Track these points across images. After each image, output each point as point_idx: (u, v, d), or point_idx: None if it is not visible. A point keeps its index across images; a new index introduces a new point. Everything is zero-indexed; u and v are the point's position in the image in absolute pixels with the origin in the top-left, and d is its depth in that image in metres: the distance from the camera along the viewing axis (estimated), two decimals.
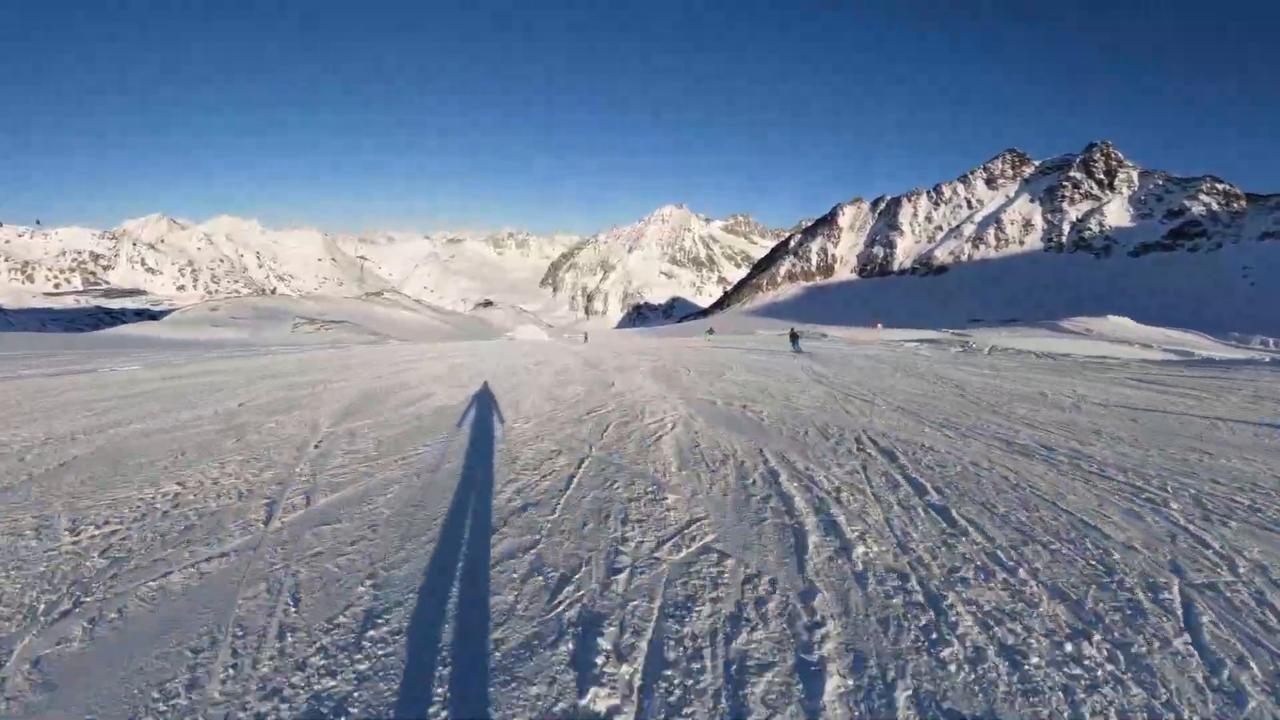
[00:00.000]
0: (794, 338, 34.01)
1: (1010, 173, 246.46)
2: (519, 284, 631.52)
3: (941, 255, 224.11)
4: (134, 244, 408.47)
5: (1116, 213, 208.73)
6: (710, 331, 59.07)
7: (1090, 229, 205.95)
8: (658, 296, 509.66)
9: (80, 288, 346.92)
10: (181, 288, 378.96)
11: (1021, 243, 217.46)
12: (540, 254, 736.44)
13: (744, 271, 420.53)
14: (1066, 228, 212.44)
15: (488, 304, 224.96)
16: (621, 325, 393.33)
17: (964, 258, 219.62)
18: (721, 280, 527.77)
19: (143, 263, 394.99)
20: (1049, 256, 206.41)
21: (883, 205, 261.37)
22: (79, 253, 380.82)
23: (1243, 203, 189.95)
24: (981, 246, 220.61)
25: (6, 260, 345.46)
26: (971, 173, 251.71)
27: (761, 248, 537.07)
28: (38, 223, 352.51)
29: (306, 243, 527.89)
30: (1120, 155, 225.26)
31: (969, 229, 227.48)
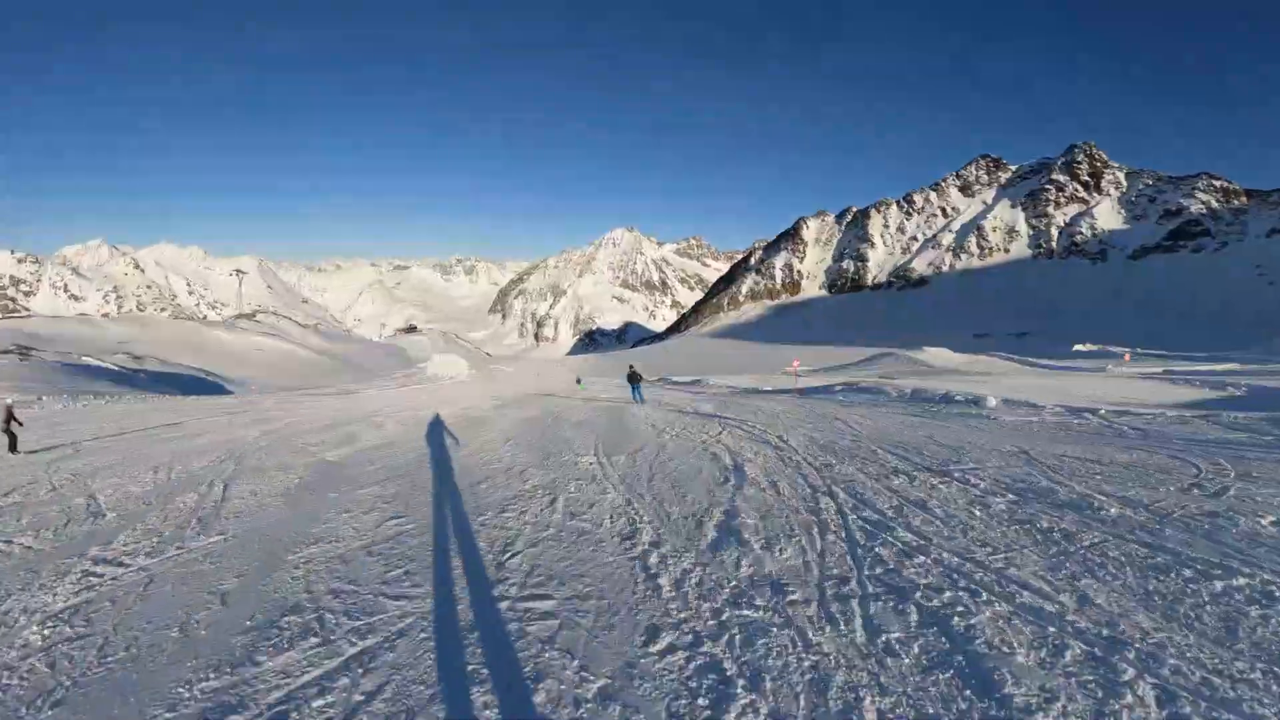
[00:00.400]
0: (633, 380, 23.73)
1: (986, 178, 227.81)
2: (467, 311, 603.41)
3: (920, 266, 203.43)
4: (64, 268, 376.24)
5: (1107, 215, 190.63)
6: (579, 381, 44.97)
7: (1081, 233, 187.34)
8: (610, 321, 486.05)
9: None
10: (105, 314, 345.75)
11: (1006, 250, 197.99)
12: (489, 280, 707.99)
13: (698, 294, 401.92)
14: (1055, 233, 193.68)
15: (411, 329, 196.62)
16: (574, 352, 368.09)
17: (945, 268, 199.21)
18: (675, 304, 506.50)
19: (65, 288, 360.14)
20: (1039, 264, 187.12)
21: (849, 217, 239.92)
22: None
23: (1244, 199, 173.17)
24: (964, 256, 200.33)
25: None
26: (944, 180, 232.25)
27: (715, 270, 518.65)
28: None
29: (242, 270, 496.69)
30: (1104, 155, 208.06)
31: (947, 238, 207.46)
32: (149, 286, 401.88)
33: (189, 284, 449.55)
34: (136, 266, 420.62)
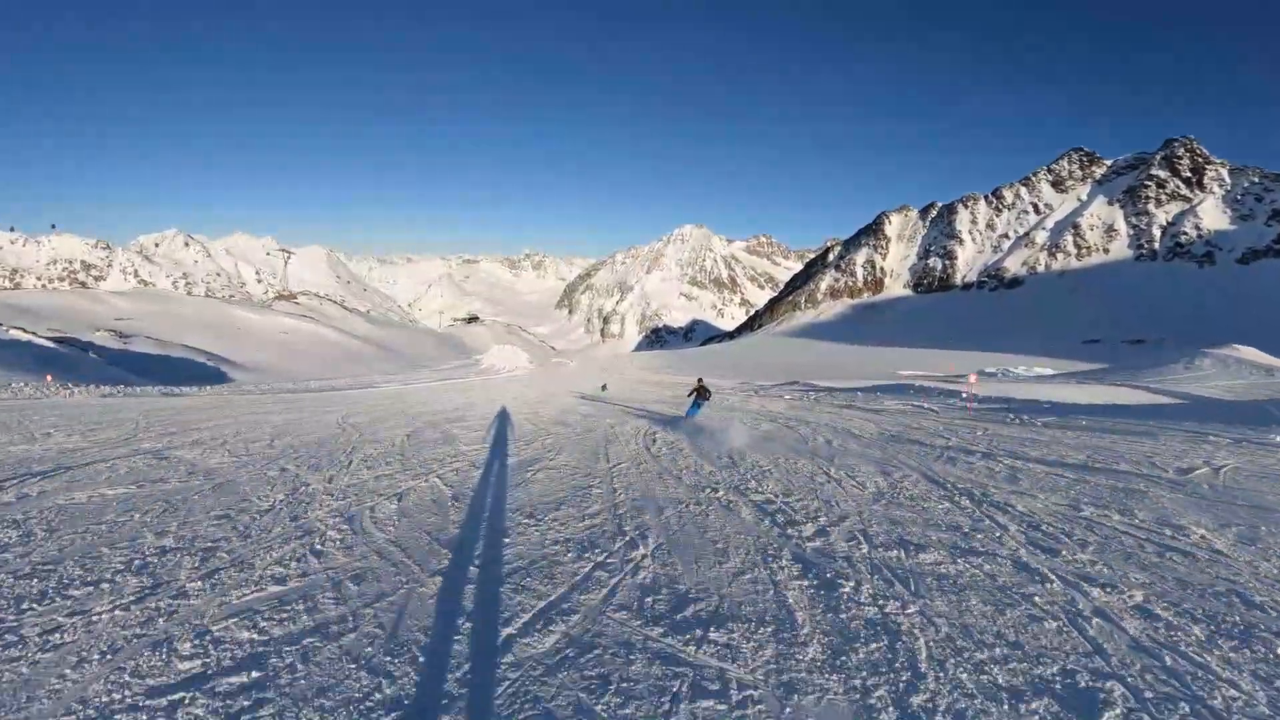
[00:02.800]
0: (699, 395, 18.55)
1: (1079, 173, 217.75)
2: (533, 306, 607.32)
3: (1013, 266, 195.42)
4: (136, 255, 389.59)
5: (1212, 214, 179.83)
6: (604, 388, 38.37)
7: (1186, 233, 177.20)
8: (677, 319, 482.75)
9: None
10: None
11: (1106, 250, 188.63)
12: (556, 275, 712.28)
13: (768, 293, 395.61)
14: (1157, 232, 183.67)
15: (472, 319, 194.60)
16: (639, 348, 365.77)
17: (1040, 268, 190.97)
18: (745, 302, 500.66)
19: (135, 274, 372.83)
20: (1141, 266, 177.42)
21: (934, 213, 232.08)
22: (70, 261, 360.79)
23: None
24: (1060, 255, 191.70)
25: None
26: (1035, 174, 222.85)
27: (785, 268, 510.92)
28: (53, 227, 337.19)
29: (311, 260, 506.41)
30: (1205, 151, 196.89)
31: (1041, 236, 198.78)
32: (218, 274, 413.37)
33: (258, 272, 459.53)
34: (207, 254, 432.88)
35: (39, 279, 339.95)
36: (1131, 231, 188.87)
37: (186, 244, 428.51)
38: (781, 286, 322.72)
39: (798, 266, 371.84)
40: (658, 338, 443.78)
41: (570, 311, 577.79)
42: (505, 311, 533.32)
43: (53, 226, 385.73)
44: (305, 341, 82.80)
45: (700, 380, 20.22)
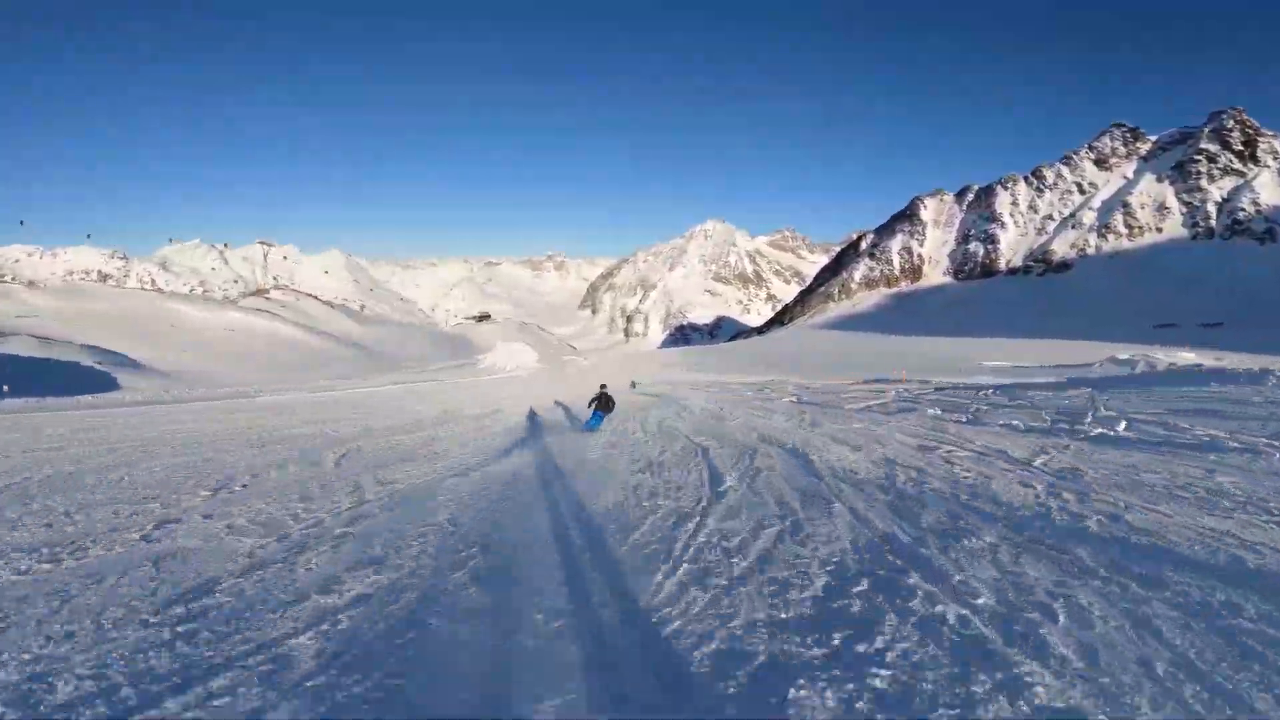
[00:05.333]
0: (601, 406, 17.17)
1: (1123, 150, 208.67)
2: (556, 307, 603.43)
3: (1060, 248, 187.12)
4: (152, 264, 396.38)
5: (1270, 189, 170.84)
6: (633, 385, 34.84)
7: (1244, 209, 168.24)
8: (702, 316, 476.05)
9: None
10: None
11: (1159, 229, 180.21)
12: (578, 276, 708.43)
13: (794, 288, 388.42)
14: (1212, 209, 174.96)
15: (484, 317, 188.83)
16: (665, 346, 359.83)
17: (1089, 250, 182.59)
18: (771, 297, 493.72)
19: (152, 283, 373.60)
20: (1199, 245, 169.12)
21: (971, 195, 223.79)
22: (86, 273, 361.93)
23: None
24: (1110, 237, 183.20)
25: (14, 280, 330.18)
26: (1076, 153, 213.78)
27: (810, 262, 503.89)
28: (88, 237, 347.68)
29: (330, 264, 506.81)
30: (1255, 123, 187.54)
31: (1089, 216, 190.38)
32: (235, 280, 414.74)
33: (275, 279, 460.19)
34: (224, 261, 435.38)
35: None
36: (1185, 209, 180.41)
37: (207, 253, 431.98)
38: (806, 280, 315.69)
39: (823, 260, 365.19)
40: (682, 335, 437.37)
41: (593, 311, 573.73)
42: (527, 313, 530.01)
43: (88, 236, 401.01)
44: (255, 341, 76.44)
45: (603, 387, 18.05)
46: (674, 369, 73.23)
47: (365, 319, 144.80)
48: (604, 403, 16.94)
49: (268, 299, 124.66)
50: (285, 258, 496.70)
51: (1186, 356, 49.21)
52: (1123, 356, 51.33)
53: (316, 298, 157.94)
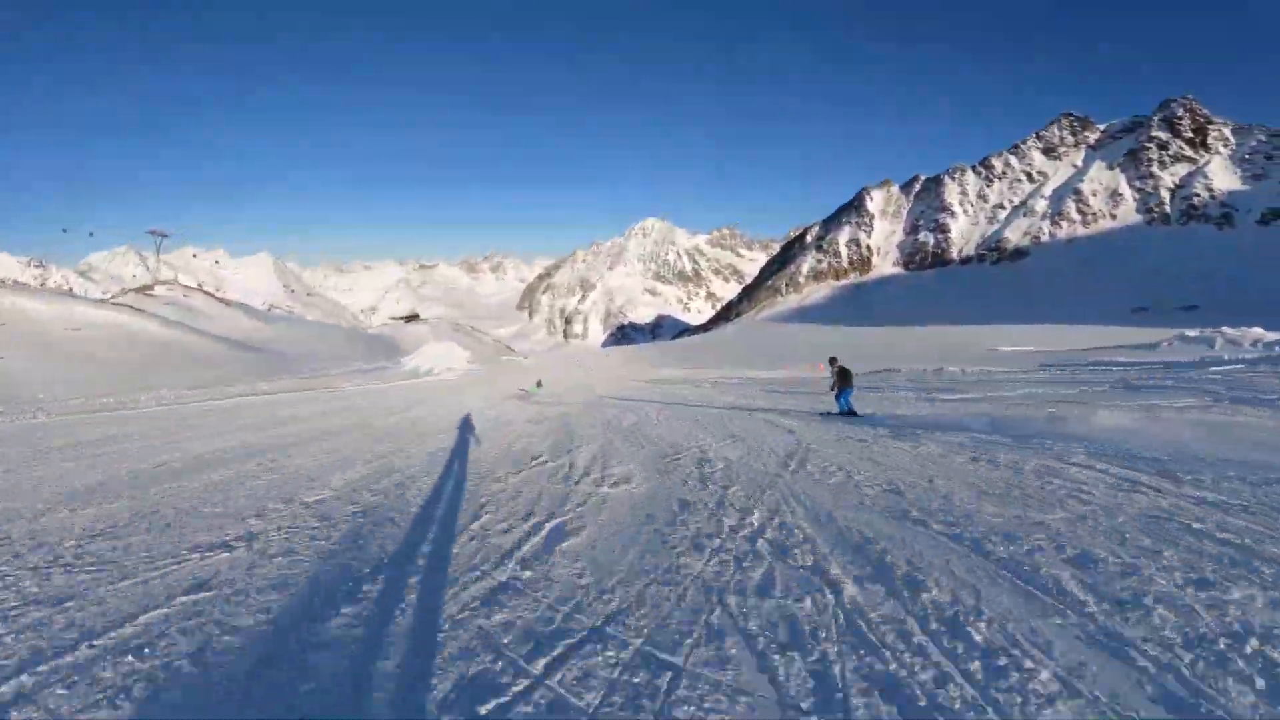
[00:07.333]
0: (840, 381, 13.75)
1: (1071, 139, 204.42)
2: (494, 309, 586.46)
3: (1014, 237, 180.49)
4: (74, 272, 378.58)
5: (1222, 175, 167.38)
6: (538, 384, 28.42)
7: (1198, 195, 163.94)
8: (643, 315, 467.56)
9: None
10: None
11: (1113, 216, 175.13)
12: (516, 277, 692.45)
13: (734, 286, 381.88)
14: (1166, 195, 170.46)
15: (412, 317, 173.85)
16: (606, 345, 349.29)
17: (1044, 237, 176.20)
18: (710, 295, 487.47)
19: (71, 292, 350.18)
20: (1155, 231, 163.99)
21: (918, 186, 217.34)
22: (1, 281, 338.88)
23: None
24: (1064, 224, 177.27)
25: None
26: (1024, 142, 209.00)
27: (749, 260, 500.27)
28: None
29: (258, 270, 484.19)
30: (1206, 111, 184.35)
31: (1040, 204, 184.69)
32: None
33: (200, 283, 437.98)
34: (145, 268, 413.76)
35: None
36: (1138, 195, 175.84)
37: (139, 259, 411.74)
38: (746, 278, 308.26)
39: (762, 258, 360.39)
40: (624, 335, 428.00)
41: (531, 313, 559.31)
42: (466, 315, 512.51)
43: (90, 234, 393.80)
44: (115, 341, 61.92)
45: (835, 362, 14.34)
46: (632, 364, 65.61)
47: (272, 318, 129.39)
48: (839, 381, 13.69)
49: (149, 296, 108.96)
50: (217, 262, 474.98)
51: (1259, 334, 39.63)
52: (1192, 334, 43.71)
53: (213, 295, 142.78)
